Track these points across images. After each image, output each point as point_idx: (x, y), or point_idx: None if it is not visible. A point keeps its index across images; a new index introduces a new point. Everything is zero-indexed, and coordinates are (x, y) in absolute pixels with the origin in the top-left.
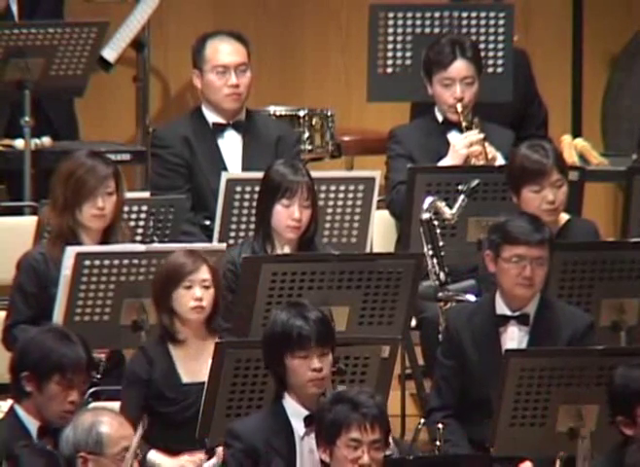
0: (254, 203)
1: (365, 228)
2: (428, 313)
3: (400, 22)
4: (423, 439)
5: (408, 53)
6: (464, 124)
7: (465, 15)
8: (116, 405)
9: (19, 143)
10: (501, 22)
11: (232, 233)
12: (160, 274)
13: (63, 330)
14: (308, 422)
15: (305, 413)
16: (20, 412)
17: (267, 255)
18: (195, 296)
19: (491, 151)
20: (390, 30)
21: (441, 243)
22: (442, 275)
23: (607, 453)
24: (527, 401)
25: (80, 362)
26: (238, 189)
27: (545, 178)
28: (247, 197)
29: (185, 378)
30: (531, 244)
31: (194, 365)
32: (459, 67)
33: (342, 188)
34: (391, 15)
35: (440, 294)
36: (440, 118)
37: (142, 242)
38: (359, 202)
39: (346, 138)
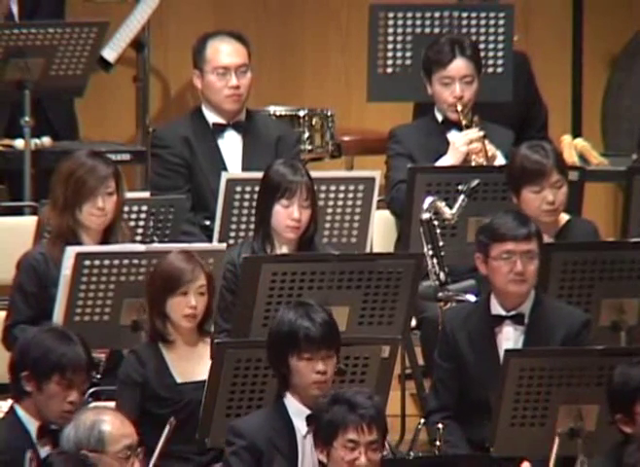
0: (254, 203)
1: (365, 228)
2: (428, 313)
3: (400, 22)
4: (423, 439)
5: (408, 53)
6: (464, 122)
7: (465, 15)
8: (114, 405)
9: (19, 143)
10: (501, 22)
11: (232, 233)
12: (156, 279)
13: (63, 330)
14: (310, 421)
15: (307, 412)
16: (20, 411)
17: (267, 255)
18: (190, 304)
19: (491, 148)
20: (390, 30)
21: (441, 243)
22: (442, 275)
23: (607, 452)
24: (527, 401)
25: (79, 362)
26: (238, 189)
27: (545, 179)
28: (247, 197)
29: (179, 378)
30: (518, 239)
31: (186, 365)
32: (458, 66)
33: (342, 188)
34: (391, 15)
35: (440, 294)
36: (439, 117)
37: (142, 242)
38: (359, 202)
39: (346, 138)
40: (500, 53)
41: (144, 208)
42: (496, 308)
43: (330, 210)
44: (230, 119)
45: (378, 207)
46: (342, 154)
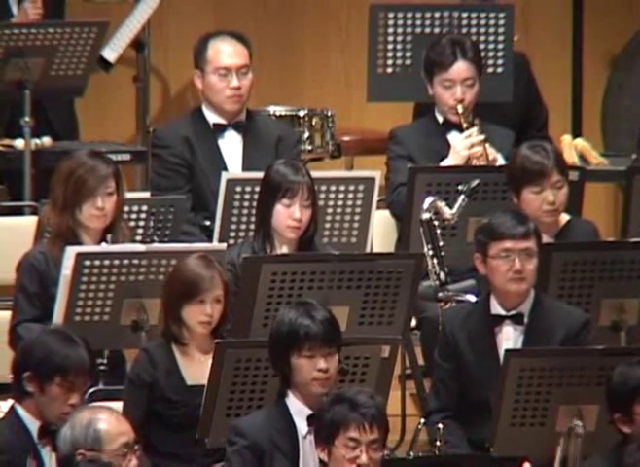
0: (254, 203)
1: (365, 228)
2: (428, 313)
3: (400, 22)
4: (423, 439)
5: (408, 54)
6: (465, 125)
7: (465, 15)
8: (115, 405)
9: (19, 143)
10: (501, 22)
11: (232, 233)
12: (174, 284)
13: (67, 332)
14: (311, 421)
15: (309, 411)
16: (21, 411)
17: (267, 255)
18: (206, 312)
19: (492, 152)
20: (390, 30)
21: (441, 243)
22: (442, 275)
23: (606, 452)
24: (527, 401)
25: (82, 365)
26: (238, 189)
27: (545, 179)
28: (247, 197)
29: (189, 381)
30: (516, 237)
31: (197, 368)
32: (460, 69)
33: (342, 188)
34: (391, 15)
35: (440, 294)
36: (440, 118)
37: (142, 242)
38: (359, 202)
39: (346, 138)
40: (500, 54)
41: (144, 208)
42: (496, 308)
43: (330, 210)
44: (230, 119)
45: (378, 207)
46: (342, 154)
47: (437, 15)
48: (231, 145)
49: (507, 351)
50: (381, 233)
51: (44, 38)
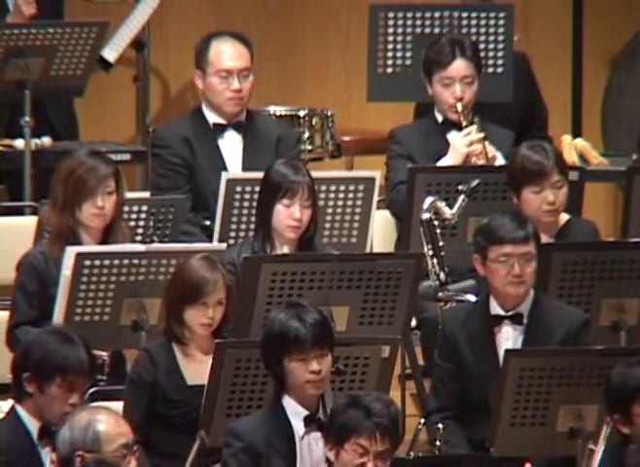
0: (254, 203)
1: (365, 228)
2: (428, 313)
3: (400, 22)
4: (423, 439)
5: (408, 54)
6: (464, 123)
7: (465, 15)
8: (115, 405)
9: (19, 143)
10: (501, 22)
11: (232, 233)
12: (177, 285)
13: (66, 331)
14: (308, 422)
15: (305, 412)
16: (21, 412)
17: (267, 255)
18: (208, 314)
19: (491, 150)
20: (390, 30)
21: (441, 243)
22: (442, 275)
23: (607, 452)
24: (527, 401)
25: (82, 365)
26: (238, 189)
27: (545, 179)
28: (247, 197)
29: (190, 381)
30: (516, 242)
31: (197, 368)
32: (459, 67)
33: (342, 188)
34: (391, 15)
35: (440, 294)
36: (439, 118)
37: (142, 242)
38: (359, 202)
39: (346, 138)
40: (500, 54)
41: (144, 208)
42: (495, 308)
43: (330, 210)
44: (230, 119)
45: (378, 207)
46: (342, 154)
47: (437, 15)
48: (231, 145)
49: (507, 351)
50: (381, 232)
51: (44, 38)
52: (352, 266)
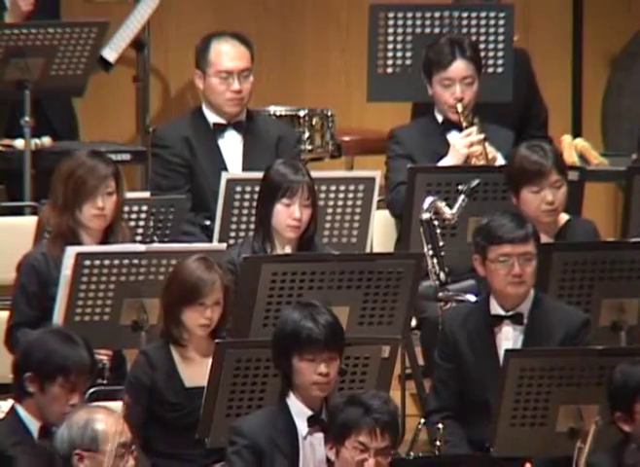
0: (254, 203)
1: (365, 228)
2: (428, 313)
3: (400, 22)
4: (423, 439)
5: (409, 54)
6: (464, 124)
7: (465, 15)
8: (115, 405)
9: (19, 143)
10: (501, 22)
11: (232, 233)
12: (174, 287)
13: (67, 332)
14: (312, 422)
15: (309, 413)
16: (22, 411)
17: (267, 255)
18: (206, 315)
19: (491, 151)
20: (390, 30)
21: (441, 243)
22: (442, 275)
23: (607, 451)
24: (527, 401)
25: (83, 365)
26: (238, 189)
27: (544, 179)
28: (247, 197)
29: (188, 383)
30: (515, 242)
31: (195, 369)
32: (459, 67)
33: (342, 188)
34: (391, 15)
35: (440, 294)
36: (439, 118)
37: (142, 242)
38: (359, 202)
39: (346, 138)
40: (500, 53)
41: (144, 208)
42: (495, 308)
43: (330, 210)
44: (230, 119)
45: (378, 207)
46: (342, 154)
47: (437, 15)
48: (232, 145)
49: (507, 351)
50: (381, 232)
51: (44, 38)
52: (352, 266)
